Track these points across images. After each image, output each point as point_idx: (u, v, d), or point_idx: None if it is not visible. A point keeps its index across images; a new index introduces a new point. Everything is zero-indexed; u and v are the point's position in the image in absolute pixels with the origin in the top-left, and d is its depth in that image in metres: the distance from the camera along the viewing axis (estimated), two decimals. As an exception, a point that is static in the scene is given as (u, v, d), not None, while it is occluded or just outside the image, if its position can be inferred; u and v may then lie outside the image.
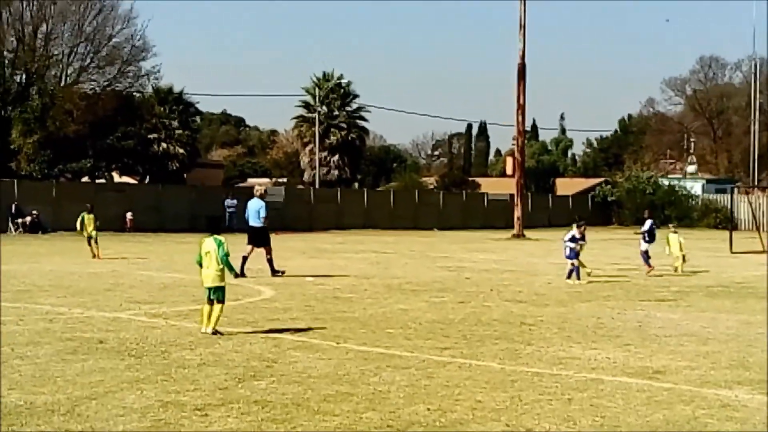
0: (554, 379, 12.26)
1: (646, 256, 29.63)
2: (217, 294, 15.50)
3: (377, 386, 11.59)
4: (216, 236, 15.73)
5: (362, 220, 68.82)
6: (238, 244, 44.99)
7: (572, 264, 26.57)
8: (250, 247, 26.83)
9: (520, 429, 9.65)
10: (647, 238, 29.85)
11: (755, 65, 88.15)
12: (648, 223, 30.39)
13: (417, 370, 12.68)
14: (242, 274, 25.50)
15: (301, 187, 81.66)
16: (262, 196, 27.47)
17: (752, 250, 42.71)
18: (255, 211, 27.07)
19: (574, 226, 28.15)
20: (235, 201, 63.35)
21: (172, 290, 23.15)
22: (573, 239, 26.75)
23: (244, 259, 26.43)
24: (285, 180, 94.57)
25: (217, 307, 15.50)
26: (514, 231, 59.21)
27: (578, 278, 26.25)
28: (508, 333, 16.44)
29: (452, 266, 32.36)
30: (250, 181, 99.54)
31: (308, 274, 27.30)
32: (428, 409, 10.39)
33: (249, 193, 67.15)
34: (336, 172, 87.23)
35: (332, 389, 11.37)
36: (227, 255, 15.64)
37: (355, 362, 13.21)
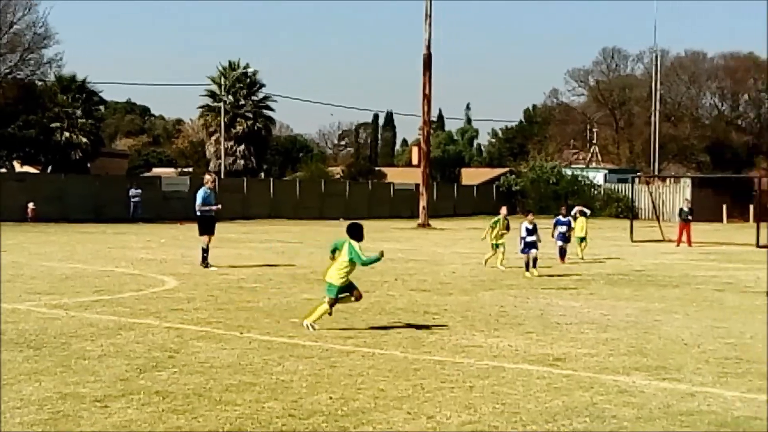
0: (456, 367, 12.35)
1: (563, 251, 30.08)
2: (349, 290, 15.60)
3: (280, 376, 11.58)
4: (351, 242, 15.46)
5: (268, 210, 68.65)
6: (142, 234, 44.65)
7: (529, 257, 25.67)
8: (204, 237, 26.73)
9: (421, 417, 9.71)
10: (564, 234, 30.26)
11: (656, 57, 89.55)
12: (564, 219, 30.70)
13: (320, 360, 12.69)
14: (206, 265, 25.98)
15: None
16: (205, 186, 27.41)
17: (652, 239, 43.48)
18: (195, 199, 27.24)
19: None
20: (139, 191, 62.88)
21: (73, 281, 22.82)
22: (529, 231, 25.90)
23: (203, 250, 26.45)
24: (191, 170, 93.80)
25: (351, 298, 15.68)
26: (420, 220, 59.57)
27: (531, 268, 25.48)
28: (411, 322, 16.52)
29: (358, 256, 32.34)
30: (155, 170, 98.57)
31: (212, 264, 27.09)
32: (331, 398, 10.41)
33: (154, 183, 66.85)
34: (242, 162, 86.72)
35: (235, 379, 11.34)
36: (362, 258, 15.38)
37: (259, 352, 13.18)
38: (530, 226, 25.91)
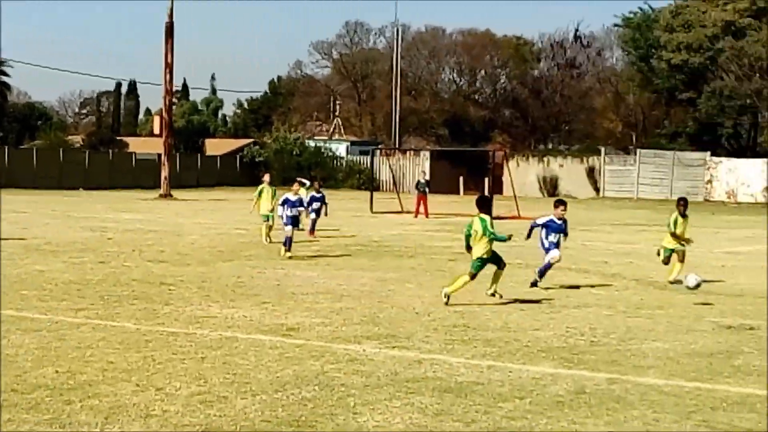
0: (189, 338, 12.31)
1: (313, 224, 29.53)
2: (496, 262, 16.26)
3: (5, 350, 11.23)
4: (482, 215, 15.97)
5: (3, 179, 66.14)
6: None
7: (289, 233, 23.27)
8: None
9: (150, 388, 9.62)
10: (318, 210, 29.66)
11: (397, 31, 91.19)
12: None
13: (48, 333, 12.39)
14: None
15: (-64, 143, 77.42)
16: None
17: (391, 210, 44.36)
18: None
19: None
20: None
21: None
22: (287, 202, 23.65)
23: None
24: None
25: (499, 272, 16.42)
26: (162, 191, 58.82)
27: (288, 249, 23.07)
28: (146, 293, 16.33)
29: (95, 227, 31.71)
30: None
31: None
32: (57, 372, 10.18)
33: None
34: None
35: (-44, 354, 10.94)
36: (492, 232, 15.96)
37: (-17, 326, 12.74)
38: (293, 198, 23.96)
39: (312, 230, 29.51)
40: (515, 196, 46.27)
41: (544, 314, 15.09)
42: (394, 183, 62.84)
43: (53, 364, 10.53)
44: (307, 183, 30.72)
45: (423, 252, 25.36)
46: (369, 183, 56.28)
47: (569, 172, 71.92)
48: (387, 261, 22.83)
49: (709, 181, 64.48)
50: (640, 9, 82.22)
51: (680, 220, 19.38)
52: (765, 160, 63.17)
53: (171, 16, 58.55)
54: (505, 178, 58.56)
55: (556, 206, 18.03)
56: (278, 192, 27.92)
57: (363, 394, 9.69)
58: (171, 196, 57.53)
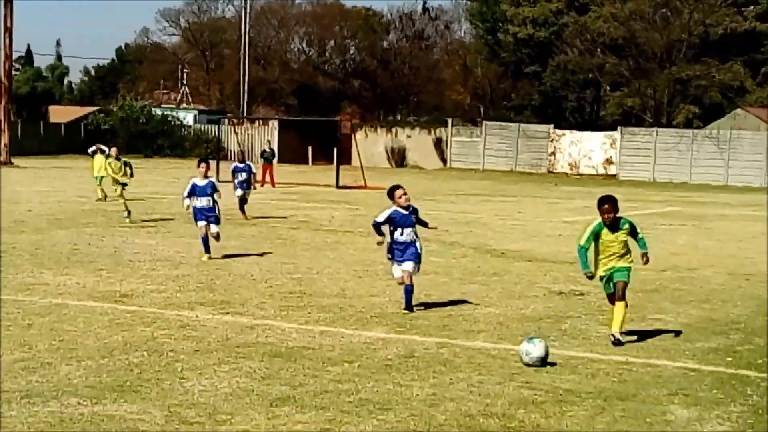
0: (17, 305, 12.06)
1: (243, 201, 26.26)
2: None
3: None
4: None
5: None
6: None
7: (203, 230, 17.62)
8: None
9: (-28, 356, 9.41)
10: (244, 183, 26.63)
11: (245, 0, 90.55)
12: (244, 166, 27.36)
13: None
14: None
15: None
16: None
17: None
18: None
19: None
20: None
21: None
22: (196, 190, 17.78)
23: None
24: None
25: None
26: (1, 158, 57.34)
27: (207, 251, 17.35)
28: (-23, 261, 15.93)
29: (-72, 194, 30.71)
30: None
31: None
32: None
33: None
34: None
35: None
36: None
37: None
38: (201, 182, 17.83)
39: (243, 211, 26.11)
40: (362, 167, 46.44)
41: (381, 281, 15.18)
42: (241, 152, 62.44)
43: None
44: (106, 150, 28.52)
45: (266, 221, 25.27)
46: (216, 152, 55.75)
47: (417, 143, 72.37)
48: (229, 229, 22.58)
49: (553, 153, 65.59)
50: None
51: None
52: (606, 133, 64.56)
53: (8, -20, 57.03)
54: (353, 149, 58.64)
55: (391, 194, 12.98)
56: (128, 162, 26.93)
57: (191, 359, 9.64)
58: (11, 163, 56.09)
